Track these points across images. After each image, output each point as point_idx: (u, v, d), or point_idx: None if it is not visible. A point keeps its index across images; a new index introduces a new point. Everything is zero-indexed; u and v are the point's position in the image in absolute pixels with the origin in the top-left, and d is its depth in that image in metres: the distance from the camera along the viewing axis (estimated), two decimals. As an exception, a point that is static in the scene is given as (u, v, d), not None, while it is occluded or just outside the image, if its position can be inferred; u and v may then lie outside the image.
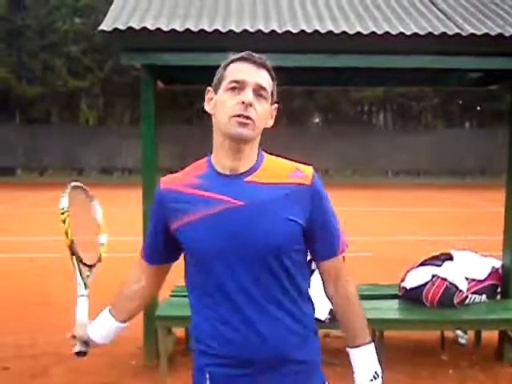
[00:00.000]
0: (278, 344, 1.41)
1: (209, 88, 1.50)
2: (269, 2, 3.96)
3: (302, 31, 3.40)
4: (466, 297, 3.91)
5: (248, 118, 1.38)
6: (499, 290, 4.17)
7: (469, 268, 3.99)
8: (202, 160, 1.54)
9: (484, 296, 3.99)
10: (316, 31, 3.41)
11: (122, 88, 25.99)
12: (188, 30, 3.35)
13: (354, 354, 1.48)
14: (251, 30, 3.38)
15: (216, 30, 3.37)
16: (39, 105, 26.75)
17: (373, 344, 1.49)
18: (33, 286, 6.36)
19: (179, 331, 4.32)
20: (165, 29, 3.34)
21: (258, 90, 1.40)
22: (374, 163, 26.05)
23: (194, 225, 1.42)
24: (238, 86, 1.39)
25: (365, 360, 1.47)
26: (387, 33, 3.45)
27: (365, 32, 3.44)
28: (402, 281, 4.06)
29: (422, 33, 3.46)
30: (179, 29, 3.35)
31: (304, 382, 1.48)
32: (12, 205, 15.28)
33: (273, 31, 3.39)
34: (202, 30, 3.36)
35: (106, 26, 3.36)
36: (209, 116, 1.55)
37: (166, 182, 1.52)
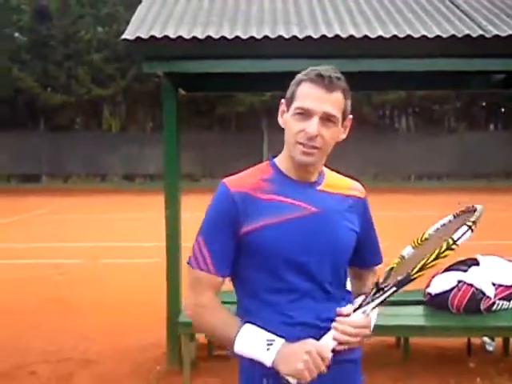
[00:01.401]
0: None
1: (282, 100, 1.49)
2: (289, 8, 3.96)
3: (323, 36, 3.39)
4: (494, 303, 3.82)
5: (313, 147, 1.41)
6: (528, 296, 4.07)
7: (496, 273, 3.91)
8: (263, 164, 1.56)
9: (512, 302, 3.90)
10: (337, 36, 3.40)
11: (144, 95, 26.28)
12: (209, 37, 3.37)
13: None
14: (272, 36, 3.38)
15: (237, 37, 3.38)
16: (63, 112, 27.20)
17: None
18: (58, 293, 6.44)
19: (202, 337, 4.33)
20: (186, 36, 3.36)
21: (326, 118, 1.41)
22: (396, 167, 25.78)
23: (276, 227, 1.42)
24: (305, 113, 1.40)
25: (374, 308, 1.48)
26: (409, 36, 3.42)
27: (386, 36, 3.41)
28: (427, 286, 3.99)
29: (444, 35, 3.42)
30: (200, 36, 3.37)
31: (353, 379, 1.56)
32: (37, 212, 15.55)
33: (294, 37, 3.39)
34: (223, 37, 3.37)
35: (128, 34, 3.40)
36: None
37: (234, 184, 1.47)
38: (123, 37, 3.36)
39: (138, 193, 21.21)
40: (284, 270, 1.44)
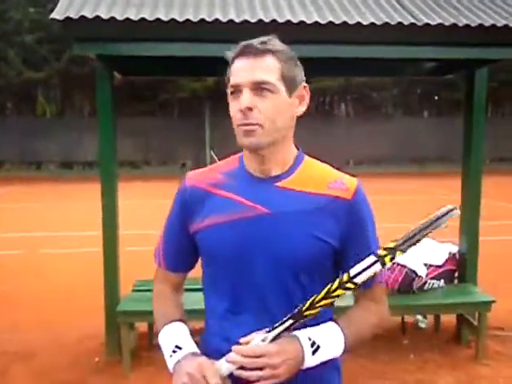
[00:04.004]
0: None
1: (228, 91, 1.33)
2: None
3: (260, 21, 3.37)
4: (425, 282, 4.01)
5: (251, 124, 1.22)
6: (456, 274, 4.29)
7: (427, 254, 4.09)
8: (235, 156, 1.38)
9: (442, 281, 4.10)
10: (274, 21, 3.39)
11: (81, 79, 25.34)
12: (143, 19, 3.26)
13: (330, 324, 1.27)
14: (208, 20, 3.32)
15: (172, 20, 3.29)
16: (-7, 97, 25.86)
17: (342, 347, 1.26)
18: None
19: (142, 326, 4.27)
20: (119, 18, 3.24)
21: (258, 87, 1.22)
22: (335, 153, 26.33)
23: (215, 229, 1.28)
24: (236, 91, 1.24)
25: (325, 331, 1.25)
26: (345, 23, 3.46)
27: (323, 22, 3.43)
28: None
29: (378, 23, 3.49)
30: (134, 18, 3.26)
31: None
32: (-33, 201, 14.73)
33: (230, 20, 3.34)
34: (158, 19, 3.28)
35: (57, 14, 3.24)
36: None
37: (191, 178, 1.37)
38: (52, 16, 3.20)
39: (77, 181, 20.55)
40: (222, 277, 1.31)
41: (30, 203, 14.26)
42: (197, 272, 1.50)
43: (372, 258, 1.17)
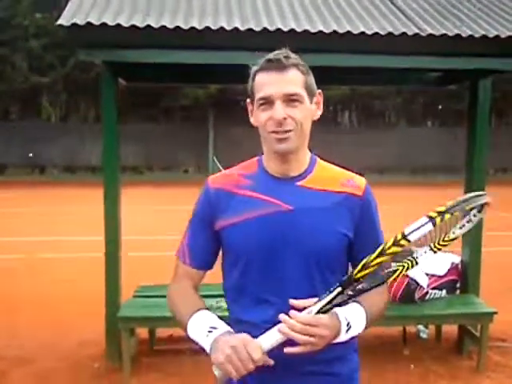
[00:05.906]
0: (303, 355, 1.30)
1: (247, 100, 1.46)
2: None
3: (265, 29, 3.39)
4: (427, 292, 3.99)
5: (285, 131, 1.36)
6: (458, 285, 4.27)
7: (429, 264, 4.07)
8: (252, 160, 1.51)
9: (444, 291, 4.08)
10: (278, 29, 3.41)
11: (86, 85, 25.44)
12: (149, 26, 3.29)
13: (357, 305, 1.36)
14: (213, 28, 3.34)
15: (177, 27, 3.32)
16: (-1, 101, 25.96)
17: (364, 320, 1.36)
18: (-9, 289, 6.16)
19: (142, 332, 4.26)
20: (125, 25, 3.27)
21: (289, 99, 1.36)
22: (339, 162, 26.28)
23: (242, 225, 1.39)
24: (267, 102, 1.37)
25: (355, 312, 1.35)
26: (349, 32, 3.48)
27: (327, 31, 3.45)
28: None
29: (382, 33, 3.51)
30: (140, 25, 3.29)
31: None
32: (-30, 205, 14.75)
33: (235, 28, 3.37)
34: (164, 27, 3.30)
35: (64, 20, 3.26)
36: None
37: (216, 181, 1.48)
38: (58, 22, 3.22)
39: (80, 185, 20.57)
40: (247, 272, 1.41)
41: (33, 207, 14.27)
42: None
43: (424, 219, 1.26)
